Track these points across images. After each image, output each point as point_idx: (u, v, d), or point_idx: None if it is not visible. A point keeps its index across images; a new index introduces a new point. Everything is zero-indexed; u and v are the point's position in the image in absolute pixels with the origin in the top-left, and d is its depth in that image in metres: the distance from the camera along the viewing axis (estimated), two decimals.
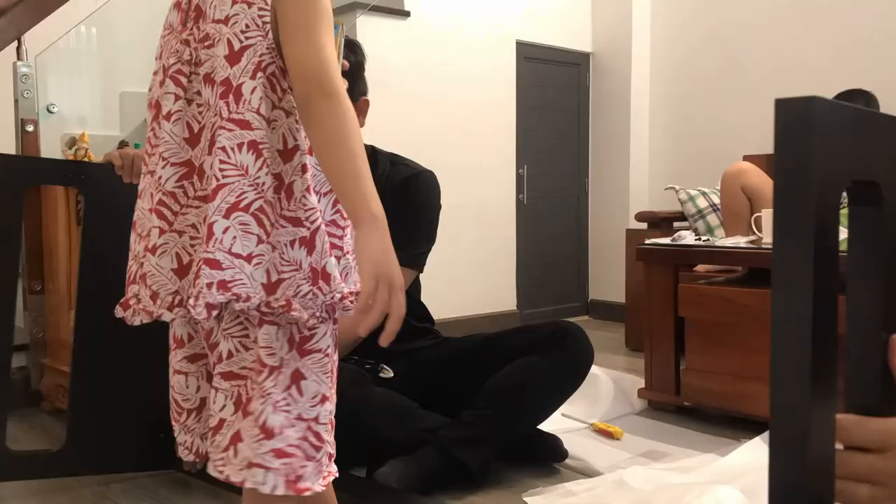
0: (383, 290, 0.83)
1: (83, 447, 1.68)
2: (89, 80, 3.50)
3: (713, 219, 3.36)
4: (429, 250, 1.87)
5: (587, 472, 1.82)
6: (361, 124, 1.76)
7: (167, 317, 0.94)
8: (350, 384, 1.67)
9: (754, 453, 1.87)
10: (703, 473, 1.76)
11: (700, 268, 2.85)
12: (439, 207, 1.90)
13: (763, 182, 2.84)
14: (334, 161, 0.88)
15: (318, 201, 0.93)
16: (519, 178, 3.98)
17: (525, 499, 1.66)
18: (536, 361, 1.77)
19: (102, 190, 1.67)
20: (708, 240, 2.49)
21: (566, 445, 1.90)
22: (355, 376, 1.70)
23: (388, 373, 1.84)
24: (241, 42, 0.89)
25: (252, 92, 0.88)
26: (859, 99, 2.81)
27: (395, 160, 1.91)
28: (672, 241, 2.45)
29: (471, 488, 1.69)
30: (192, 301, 0.87)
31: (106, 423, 1.71)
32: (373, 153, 1.88)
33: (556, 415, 1.93)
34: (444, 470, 1.65)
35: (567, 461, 1.89)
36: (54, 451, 1.66)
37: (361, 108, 1.76)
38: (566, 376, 1.81)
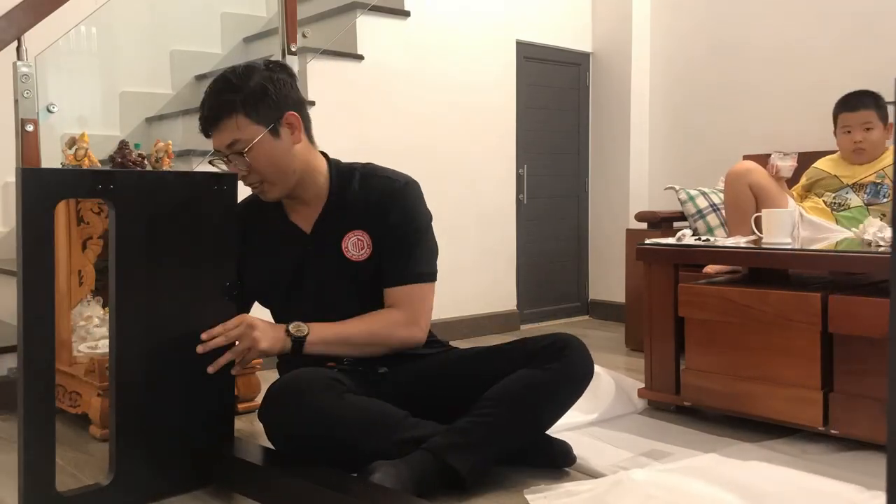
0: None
1: (130, 478, 1.62)
2: (89, 80, 3.50)
3: (713, 219, 3.36)
4: (436, 259, 1.90)
5: (588, 472, 1.82)
6: (296, 140, 1.78)
7: None
8: (324, 391, 1.64)
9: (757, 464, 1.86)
10: (701, 475, 1.76)
11: (710, 268, 2.83)
12: (430, 216, 1.91)
13: (768, 181, 2.82)
14: None
15: None
16: (519, 178, 3.98)
17: (527, 496, 1.66)
18: (536, 373, 1.76)
19: (133, 201, 1.59)
20: (708, 240, 2.48)
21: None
22: (330, 383, 1.66)
23: (382, 368, 1.84)
24: None
25: None
26: (868, 99, 2.81)
27: (369, 173, 1.88)
28: (677, 240, 2.44)
29: (471, 489, 1.68)
30: None
31: (150, 450, 1.66)
32: (338, 173, 1.87)
33: None
34: (436, 475, 1.63)
35: None
36: (103, 485, 1.60)
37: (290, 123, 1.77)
38: (565, 388, 1.80)
